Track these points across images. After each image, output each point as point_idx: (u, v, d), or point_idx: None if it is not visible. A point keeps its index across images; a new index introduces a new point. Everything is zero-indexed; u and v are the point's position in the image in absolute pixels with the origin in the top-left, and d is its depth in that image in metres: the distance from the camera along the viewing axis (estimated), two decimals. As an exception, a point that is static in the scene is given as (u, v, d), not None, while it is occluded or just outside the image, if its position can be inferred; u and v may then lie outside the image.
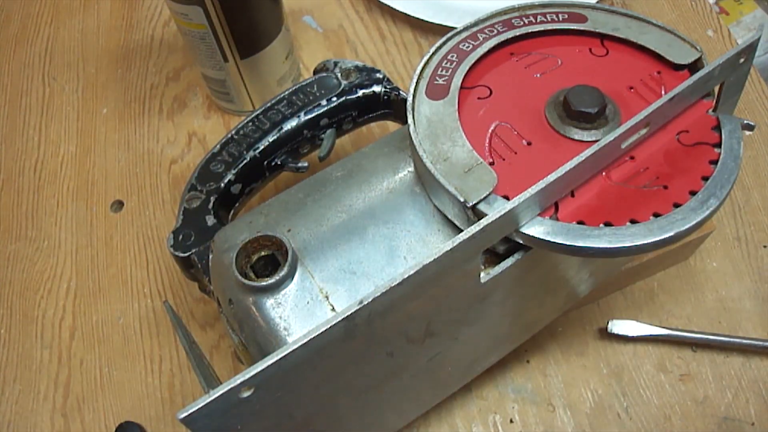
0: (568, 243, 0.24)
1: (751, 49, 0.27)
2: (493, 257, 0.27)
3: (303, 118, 0.37)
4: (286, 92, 0.38)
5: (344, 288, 0.27)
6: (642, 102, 0.29)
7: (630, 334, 0.39)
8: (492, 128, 0.28)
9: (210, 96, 0.52)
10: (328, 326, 0.20)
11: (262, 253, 0.27)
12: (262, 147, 0.36)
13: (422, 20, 0.53)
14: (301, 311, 0.26)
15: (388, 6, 0.55)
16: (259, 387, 0.20)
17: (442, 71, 0.30)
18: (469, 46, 0.31)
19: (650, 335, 0.40)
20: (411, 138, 0.27)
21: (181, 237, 0.34)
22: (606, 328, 0.40)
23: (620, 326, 0.40)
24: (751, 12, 0.91)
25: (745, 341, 0.39)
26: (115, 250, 0.46)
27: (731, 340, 0.39)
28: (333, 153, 0.38)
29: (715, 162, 0.27)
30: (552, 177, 0.24)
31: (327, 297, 0.27)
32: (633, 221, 0.25)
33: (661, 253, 0.39)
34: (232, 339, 0.31)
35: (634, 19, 0.32)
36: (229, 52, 0.44)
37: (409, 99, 0.29)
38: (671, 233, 0.24)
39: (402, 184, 0.29)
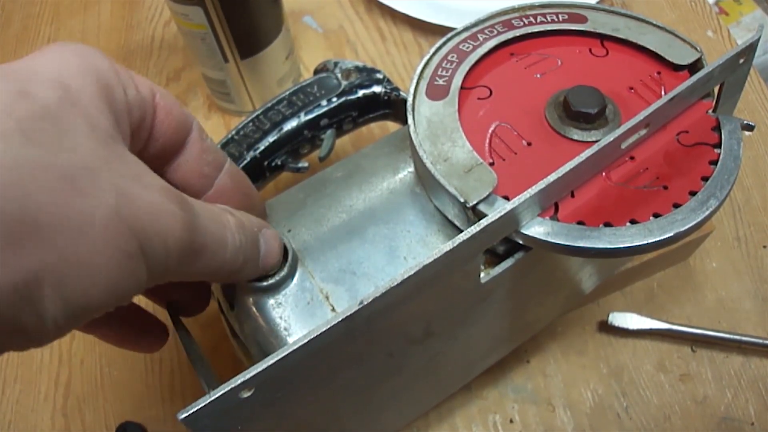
0: (568, 243, 0.24)
1: (750, 49, 0.27)
2: (493, 257, 0.27)
3: (303, 118, 0.37)
4: (287, 92, 0.38)
5: (344, 288, 0.27)
6: (642, 102, 0.29)
7: (630, 327, 0.40)
8: (492, 128, 0.29)
9: (210, 96, 0.52)
10: (328, 326, 0.20)
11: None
12: (262, 147, 0.36)
13: (422, 21, 0.53)
14: (301, 311, 0.26)
15: (388, 6, 0.55)
16: (259, 387, 0.20)
17: (442, 72, 0.30)
18: (469, 47, 0.31)
19: (650, 329, 0.40)
20: (411, 138, 0.27)
21: (181, 237, 0.34)
22: (606, 321, 0.40)
23: (620, 319, 0.40)
24: (750, 12, 0.91)
25: (744, 338, 0.39)
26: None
27: (731, 336, 0.39)
28: (333, 153, 0.38)
29: (714, 162, 0.27)
30: (552, 177, 0.24)
31: (327, 297, 0.27)
32: (633, 221, 0.25)
33: (661, 254, 0.39)
34: (232, 339, 0.31)
35: (634, 19, 0.32)
36: (229, 53, 0.44)
37: (409, 99, 0.29)
38: (671, 233, 0.24)
39: (402, 184, 0.30)
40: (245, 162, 0.36)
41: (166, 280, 0.20)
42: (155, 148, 0.22)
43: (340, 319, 0.21)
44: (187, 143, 0.24)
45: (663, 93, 0.30)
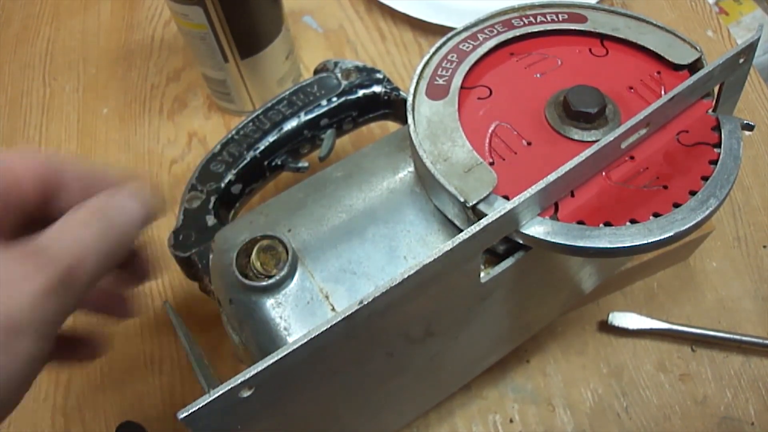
0: (568, 243, 0.24)
1: (750, 49, 0.27)
2: (493, 257, 0.27)
3: (303, 118, 0.37)
4: (287, 92, 0.38)
5: (344, 288, 0.27)
6: (642, 102, 0.29)
7: (630, 327, 0.40)
8: (492, 128, 0.29)
9: (210, 96, 0.52)
10: (328, 326, 0.20)
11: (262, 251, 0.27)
12: (262, 147, 0.36)
13: (422, 20, 0.53)
14: (301, 311, 0.26)
15: (388, 6, 0.55)
16: (259, 387, 0.20)
17: (442, 71, 0.30)
18: (469, 47, 0.31)
19: (650, 329, 0.40)
20: (411, 138, 0.27)
21: (181, 237, 0.34)
22: (606, 321, 0.40)
23: (621, 318, 0.40)
24: (750, 12, 0.91)
25: (744, 338, 0.39)
26: (115, 250, 0.46)
27: (731, 336, 0.39)
28: (333, 153, 0.38)
29: (714, 162, 0.27)
30: (552, 177, 0.24)
31: (327, 297, 0.27)
32: (633, 221, 0.25)
33: (661, 253, 0.39)
34: (232, 339, 0.31)
35: (634, 19, 0.32)
36: (229, 53, 0.44)
37: (409, 99, 0.29)
38: (671, 233, 0.24)
39: (402, 184, 0.29)
40: (245, 162, 0.36)
41: (82, 295, 0.22)
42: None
43: (340, 319, 0.21)
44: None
45: (663, 93, 0.30)
